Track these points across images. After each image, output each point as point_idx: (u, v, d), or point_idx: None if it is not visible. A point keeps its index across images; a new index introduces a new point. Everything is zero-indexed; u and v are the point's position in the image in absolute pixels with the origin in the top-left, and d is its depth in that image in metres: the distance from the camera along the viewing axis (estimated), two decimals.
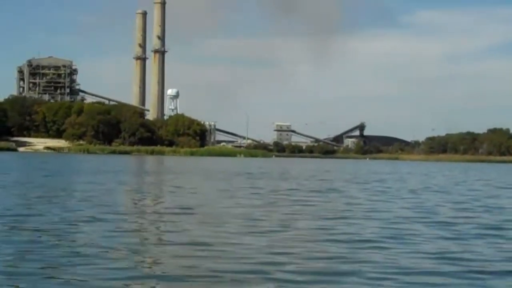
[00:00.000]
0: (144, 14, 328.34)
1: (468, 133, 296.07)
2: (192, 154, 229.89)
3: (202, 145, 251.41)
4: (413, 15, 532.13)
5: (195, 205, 29.93)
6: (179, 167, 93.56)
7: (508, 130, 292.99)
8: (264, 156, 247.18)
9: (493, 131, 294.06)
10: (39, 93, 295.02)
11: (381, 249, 18.49)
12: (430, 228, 23.84)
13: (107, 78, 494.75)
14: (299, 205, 31.89)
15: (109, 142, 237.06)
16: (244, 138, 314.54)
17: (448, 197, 41.96)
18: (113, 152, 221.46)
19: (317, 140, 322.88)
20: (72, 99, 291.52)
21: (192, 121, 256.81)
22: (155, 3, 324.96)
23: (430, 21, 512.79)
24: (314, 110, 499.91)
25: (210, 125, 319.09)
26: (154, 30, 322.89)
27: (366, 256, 17.10)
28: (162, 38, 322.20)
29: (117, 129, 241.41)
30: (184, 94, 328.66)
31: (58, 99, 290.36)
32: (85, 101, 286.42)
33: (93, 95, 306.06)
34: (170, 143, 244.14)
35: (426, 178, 76.00)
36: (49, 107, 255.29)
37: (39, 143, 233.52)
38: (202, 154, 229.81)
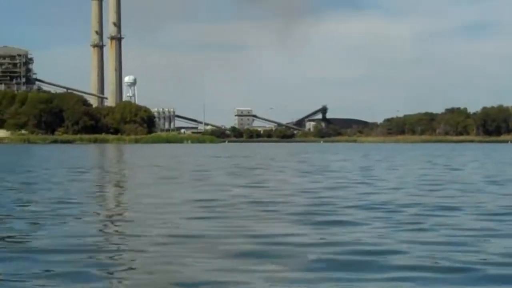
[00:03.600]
0: (100, 0, 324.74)
1: (426, 114, 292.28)
2: (136, 141, 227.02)
3: (150, 132, 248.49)
4: None
5: None
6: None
7: (465, 109, 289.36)
8: (212, 142, 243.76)
9: (451, 111, 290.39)
10: None
11: None
12: None
13: (66, 67, 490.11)
14: None
15: (52, 132, 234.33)
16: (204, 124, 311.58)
17: None
18: (55, 141, 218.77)
19: (279, 125, 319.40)
20: (29, 89, 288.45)
21: (139, 108, 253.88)
22: None
23: (395, 3, 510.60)
24: (279, 95, 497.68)
25: (169, 112, 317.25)
26: (110, 16, 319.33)
27: None
28: (118, 24, 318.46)
29: (60, 118, 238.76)
30: (144, 81, 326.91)
31: (14, 88, 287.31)
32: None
33: (50, 84, 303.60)
34: (116, 131, 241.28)
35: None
36: None
37: None
38: (146, 142, 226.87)
